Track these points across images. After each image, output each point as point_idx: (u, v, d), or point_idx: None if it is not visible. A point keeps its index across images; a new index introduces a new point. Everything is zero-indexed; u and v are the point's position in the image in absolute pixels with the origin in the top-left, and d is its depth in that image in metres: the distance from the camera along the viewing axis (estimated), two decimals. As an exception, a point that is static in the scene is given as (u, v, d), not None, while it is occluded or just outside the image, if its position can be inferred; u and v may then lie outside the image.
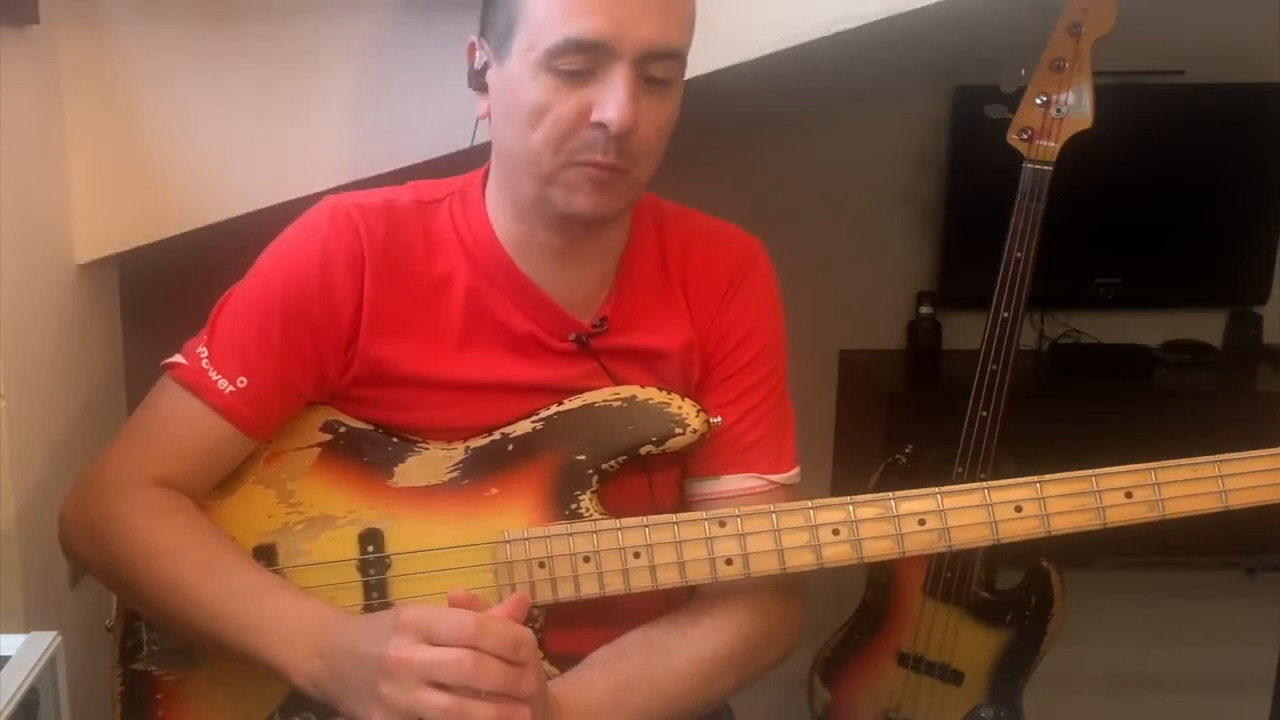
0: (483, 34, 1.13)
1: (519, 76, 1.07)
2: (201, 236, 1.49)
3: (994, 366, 1.77)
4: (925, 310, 2.98)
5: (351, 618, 1.07)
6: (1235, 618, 2.67)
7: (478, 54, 1.13)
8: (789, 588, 1.18)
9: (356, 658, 0.97)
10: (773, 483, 1.19)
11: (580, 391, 1.17)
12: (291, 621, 1.04)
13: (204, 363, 1.13)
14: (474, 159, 1.25)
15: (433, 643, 0.93)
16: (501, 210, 1.17)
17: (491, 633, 0.93)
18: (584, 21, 1.03)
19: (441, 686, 0.92)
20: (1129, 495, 1.10)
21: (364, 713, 0.96)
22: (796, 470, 1.22)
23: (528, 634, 0.96)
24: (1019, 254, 1.75)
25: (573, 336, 1.17)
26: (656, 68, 1.06)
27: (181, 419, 1.13)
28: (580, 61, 1.04)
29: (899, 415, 2.76)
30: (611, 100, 1.04)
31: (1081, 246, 2.81)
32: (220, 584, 1.07)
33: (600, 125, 1.04)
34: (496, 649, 0.93)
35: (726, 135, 2.78)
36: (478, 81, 1.14)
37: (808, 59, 1.49)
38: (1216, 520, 1.13)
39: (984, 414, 1.78)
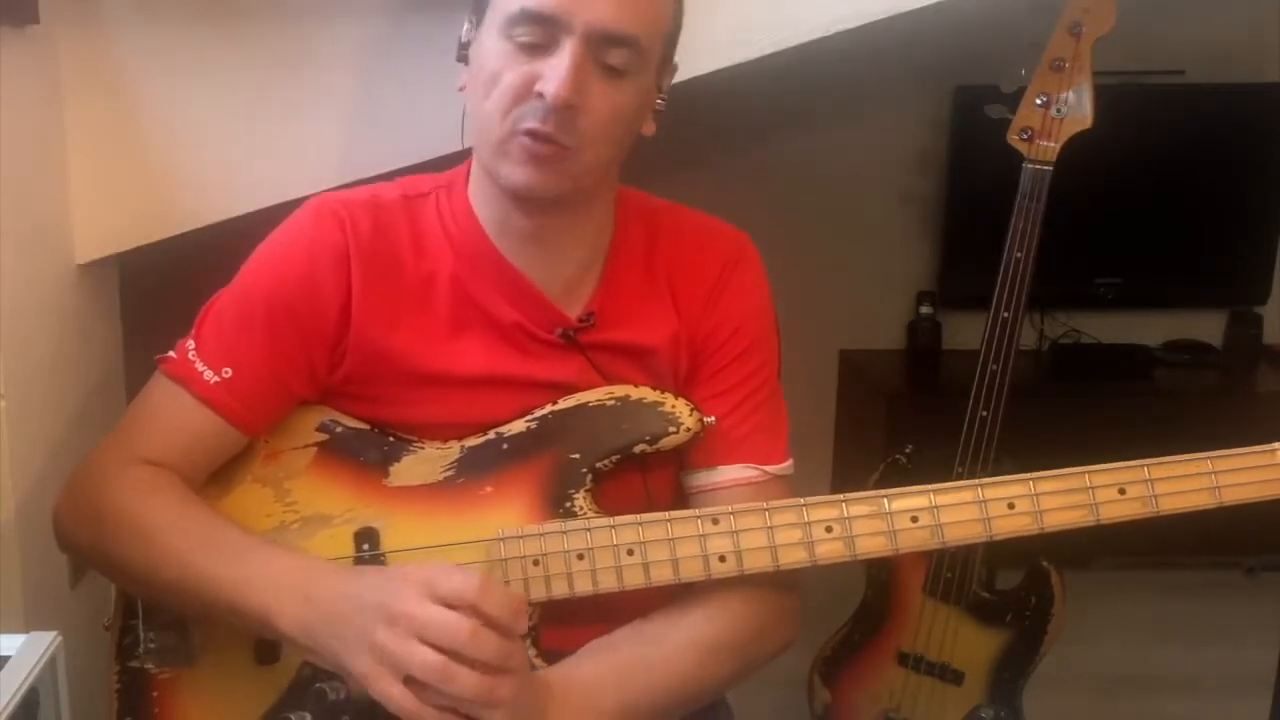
0: (472, 8, 1.16)
1: (486, 45, 1.11)
2: (201, 236, 1.49)
3: (994, 366, 1.77)
4: (925, 310, 2.98)
5: (343, 567, 1.09)
6: (1235, 618, 2.67)
7: (465, 27, 1.16)
8: (784, 580, 1.17)
9: (356, 603, 0.98)
10: (768, 473, 1.20)
11: (573, 388, 1.17)
12: (278, 570, 1.05)
13: (190, 355, 1.15)
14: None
15: (438, 598, 0.94)
16: (480, 195, 1.19)
17: (493, 595, 0.95)
18: None
19: (435, 646, 0.93)
20: (1122, 491, 1.10)
21: (352, 658, 0.97)
22: (790, 463, 1.23)
23: (524, 603, 0.98)
24: (1019, 254, 1.75)
25: (558, 332, 1.18)
26: (612, 55, 1.08)
27: (169, 410, 1.15)
28: (534, 33, 1.07)
29: (899, 415, 2.76)
30: (554, 72, 1.06)
31: (1081, 246, 2.81)
32: (210, 547, 1.08)
33: (541, 95, 1.07)
34: (496, 611, 0.94)
35: (726, 135, 2.78)
36: (461, 54, 1.17)
37: (808, 59, 1.49)
38: (1215, 520, 1.13)
39: (984, 414, 1.78)
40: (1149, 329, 3.03)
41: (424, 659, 0.93)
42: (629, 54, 1.08)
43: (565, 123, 1.07)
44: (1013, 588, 1.84)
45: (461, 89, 1.15)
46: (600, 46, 1.07)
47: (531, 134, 1.08)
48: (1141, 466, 1.11)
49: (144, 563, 1.09)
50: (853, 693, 1.95)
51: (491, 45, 1.10)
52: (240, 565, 1.06)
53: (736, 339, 1.22)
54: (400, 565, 1.04)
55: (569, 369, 1.18)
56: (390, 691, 0.94)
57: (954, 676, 1.86)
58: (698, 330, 1.21)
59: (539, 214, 1.16)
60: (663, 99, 1.18)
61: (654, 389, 1.17)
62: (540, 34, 1.07)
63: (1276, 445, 1.11)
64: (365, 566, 1.12)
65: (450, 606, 0.94)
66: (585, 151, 1.10)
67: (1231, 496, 1.10)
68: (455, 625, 0.93)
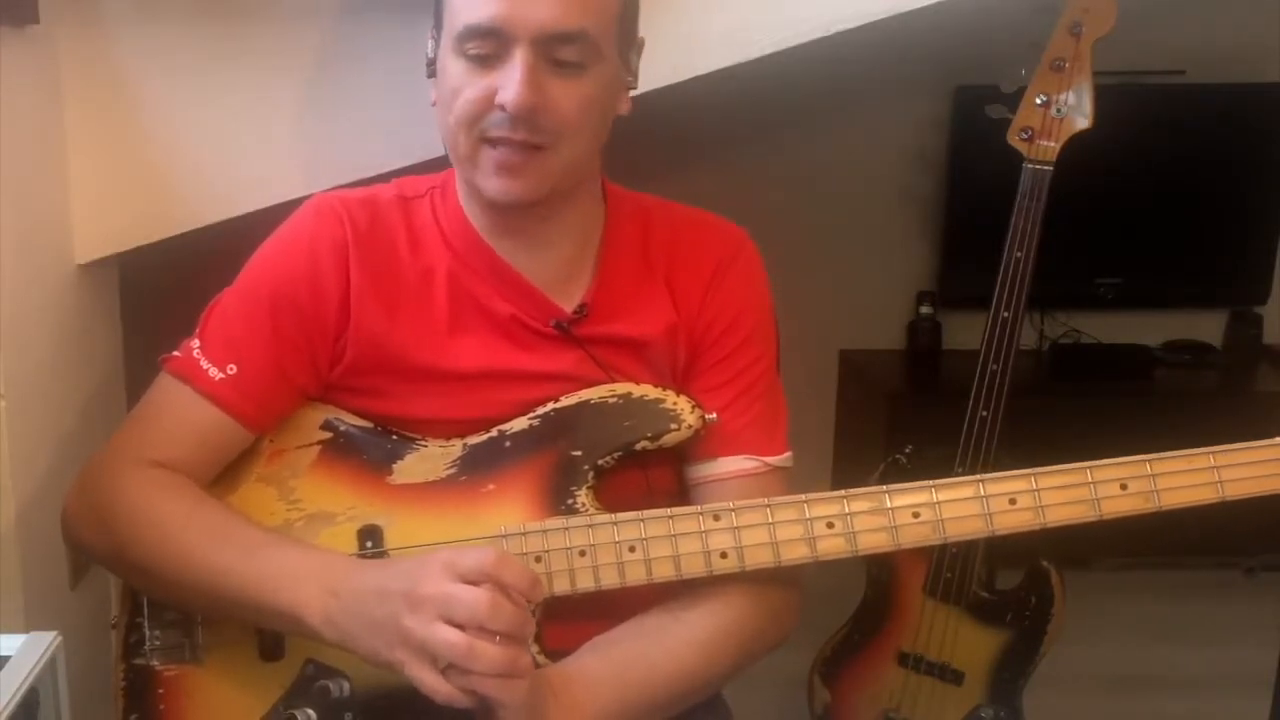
0: (433, 24, 1.18)
1: (444, 61, 1.13)
2: (201, 236, 1.49)
3: (994, 366, 1.77)
4: (925, 310, 2.98)
5: (364, 560, 1.10)
6: (1235, 618, 2.67)
7: (430, 43, 1.18)
8: (785, 575, 1.17)
9: (381, 594, 0.99)
10: (767, 464, 1.20)
11: (571, 381, 1.18)
12: (300, 565, 1.06)
13: (195, 353, 1.17)
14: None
15: (458, 577, 0.96)
16: (468, 197, 1.21)
17: (511, 564, 0.98)
18: (481, 9, 1.08)
19: (458, 625, 0.94)
20: (1124, 487, 1.11)
21: (384, 646, 0.98)
22: (789, 454, 1.23)
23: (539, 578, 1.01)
24: (1019, 254, 1.75)
25: (553, 323, 1.19)
26: (563, 51, 1.09)
27: (175, 408, 1.16)
28: (483, 47, 1.09)
29: (899, 415, 2.76)
30: (509, 82, 1.08)
31: (1081, 246, 2.81)
32: (226, 545, 1.08)
33: (502, 107, 1.08)
34: (514, 580, 0.97)
35: (727, 135, 2.78)
36: (430, 70, 1.18)
37: (808, 59, 1.48)
38: (1215, 519, 1.13)
39: (984, 414, 1.78)
40: (1149, 329, 3.03)
41: (447, 638, 0.94)
42: (580, 47, 1.10)
43: (532, 126, 1.09)
44: (1013, 588, 1.84)
45: (434, 104, 1.17)
46: (549, 46, 1.08)
47: (499, 143, 1.10)
48: (1144, 461, 1.11)
49: (160, 562, 1.09)
50: (853, 693, 1.95)
51: (449, 62, 1.12)
52: (261, 561, 1.06)
53: (734, 331, 1.22)
54: (423, 553, 1.05)
55: (566, 362, 1.19)
56: (425, 677, 0.95)
57: (954, 676, 1.86)
58: (696, 322, 1.22)
59: (522, 216, 1.17)
60: (633, 76, 1.19)
61: (656, 386, 1.18)
62: (489, 46, 1.09)
63: (1278, 439, 1.11)
64: (385, 559, 1.13)
65: (471, 583, 0.96)
66: (561, 148, 1.12)
67: (1234, 491, 1.10)
68: (475, 597, 0.95)
